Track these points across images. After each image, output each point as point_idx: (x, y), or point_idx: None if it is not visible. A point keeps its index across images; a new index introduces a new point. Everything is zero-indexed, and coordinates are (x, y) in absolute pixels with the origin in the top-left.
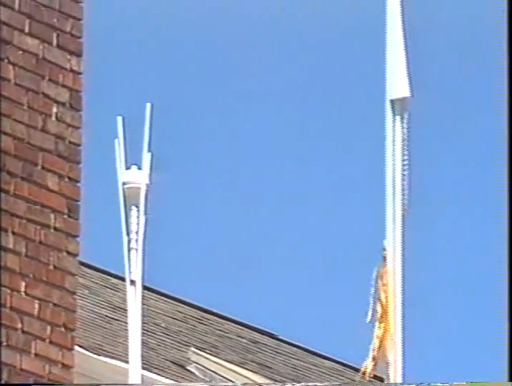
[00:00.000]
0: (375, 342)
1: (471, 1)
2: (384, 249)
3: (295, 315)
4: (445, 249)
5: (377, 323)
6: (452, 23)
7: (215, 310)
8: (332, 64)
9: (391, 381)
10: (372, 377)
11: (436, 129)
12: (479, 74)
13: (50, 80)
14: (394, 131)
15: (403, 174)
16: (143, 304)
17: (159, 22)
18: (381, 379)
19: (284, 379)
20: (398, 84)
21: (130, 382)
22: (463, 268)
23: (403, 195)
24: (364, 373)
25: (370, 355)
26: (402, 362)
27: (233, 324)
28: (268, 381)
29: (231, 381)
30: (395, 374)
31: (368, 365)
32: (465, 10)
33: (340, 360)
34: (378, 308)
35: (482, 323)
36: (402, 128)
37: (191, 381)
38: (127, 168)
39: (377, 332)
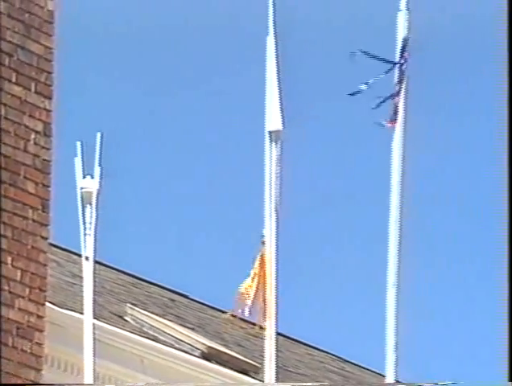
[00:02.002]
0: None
1: None
2: (263, 236)
3: (203, 280)
4: (313, 238)
5: (253, 285)
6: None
7: (145, 277)
8: (223, 101)
9: (266, 329)
10: (243, 320)
11: (305, 151)
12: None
13: (30, 115)
14: (271, 154)
15: (276, 184)
16: (94, 273)
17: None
18: (253, 324)
19: (192, 326)
20: (273, 119)
21: (84, 328)
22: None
23: (276, 197)
24: (232, 316)
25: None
26: (275, 319)
27: (157, 287)
28: (182, 329)
29: (156, 327)
30: (271, 325)
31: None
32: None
33: (234, 314)
34: (256, 276)
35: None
36: (277, 152)
37: (126, 328)
38: (84, 177)
39: (250, 290)
